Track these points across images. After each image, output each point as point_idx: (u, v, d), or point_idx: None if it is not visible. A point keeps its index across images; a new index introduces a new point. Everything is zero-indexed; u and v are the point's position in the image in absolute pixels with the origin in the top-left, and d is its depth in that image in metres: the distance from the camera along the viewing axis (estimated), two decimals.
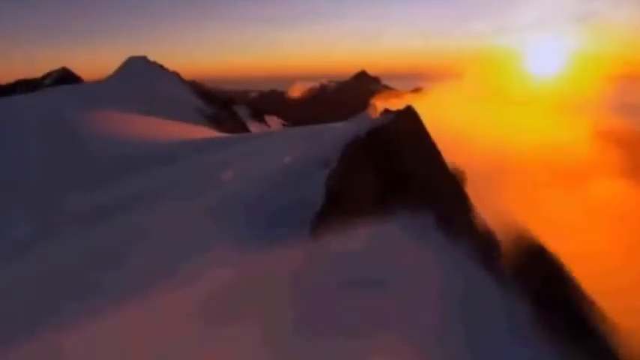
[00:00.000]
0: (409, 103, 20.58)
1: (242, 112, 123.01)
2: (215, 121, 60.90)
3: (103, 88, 66.16)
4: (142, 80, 69.77)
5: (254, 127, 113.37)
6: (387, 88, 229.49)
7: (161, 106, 60.02)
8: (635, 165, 46.09)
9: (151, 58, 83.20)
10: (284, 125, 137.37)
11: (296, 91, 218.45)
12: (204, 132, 51.55)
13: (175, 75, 77.90)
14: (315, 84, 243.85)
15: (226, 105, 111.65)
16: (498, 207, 19.46)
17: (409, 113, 19.06)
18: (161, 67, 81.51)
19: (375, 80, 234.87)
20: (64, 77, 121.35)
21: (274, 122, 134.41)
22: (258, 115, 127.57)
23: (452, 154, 19.15)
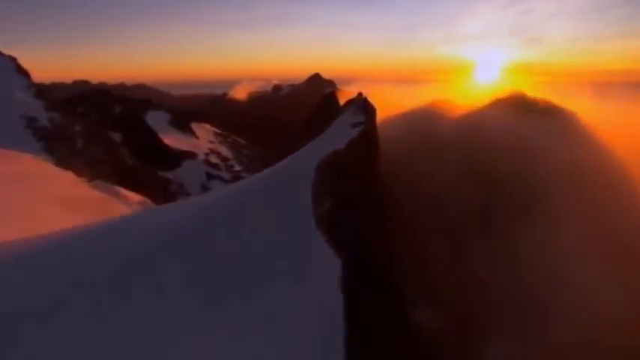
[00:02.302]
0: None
1: (159, 118, 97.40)
2: (52, 140, 36.42)
3: None
4: None
5: (170, 138, 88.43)
6: (341, 90, 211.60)
7: None
8: None
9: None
10: (217, 134, 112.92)
11: (241, 93, 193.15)
12: None
13: (12, 61, 51.55)
14: (264, 84, 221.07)
15: (132, 110, 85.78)
16: None
17: None
18: None
19: (330, 83, 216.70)
20: None
21: (204, 131, 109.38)
22: (182, 122, 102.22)
23: None
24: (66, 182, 25.37)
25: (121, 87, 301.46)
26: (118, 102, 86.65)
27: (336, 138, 27.16)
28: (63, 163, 32.41)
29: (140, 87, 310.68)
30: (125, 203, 23.92)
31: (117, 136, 77.07)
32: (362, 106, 38.13)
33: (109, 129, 76.67)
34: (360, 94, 41.71)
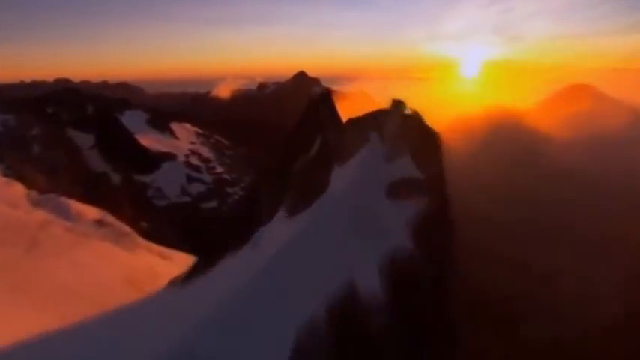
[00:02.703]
0: None
1: (136, 118, 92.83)
2: (3, 146, 32.29)
3: None
4: None
5: (148, 139, 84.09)
6: (328, 89, 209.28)
7: None
8: None
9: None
10: (199, 134, 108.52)
11: (224, 91, 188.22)
12: None
13: None
14: (248, 82, 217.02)
15: (107, 110, 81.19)
16: None
17: None
18: None
19: (315, 81, 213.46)
20: None
21: (185, 131, 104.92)
22: (161, 122, 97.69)
23: None
24: (4, 201, 21.64)
25: (104, 85, 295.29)
26: (92, 101, 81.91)
27: (359, 227, 13.12)
28: (14, 172, 28.62)
29: (123, 85, 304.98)
30: (73, 226, 20.20)
31: (89, 139, 72.72)
32: (405, 127, 18.20)
33: (80, 131, 72.26)
34: (399, 102, 21.06)
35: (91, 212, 22.30)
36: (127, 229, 21.33)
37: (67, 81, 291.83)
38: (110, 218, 22.19)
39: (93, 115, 76.75)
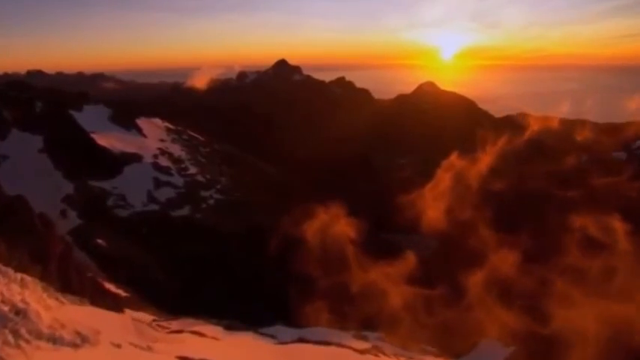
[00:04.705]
0: None
1: (95, 114, 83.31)
2: None
3: None
4: None
5: (110, 138, 75.09)
6: (310, 78, 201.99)
7: None
8: None
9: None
10: (170, 130, 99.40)
11: (200, 81, 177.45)
12: None
13: None
14: (226, 71, 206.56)
15: (59, 106, 71.66)
16: None
17: None
18: None
19: (296, 70, 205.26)
20: None
21: (154, 127, 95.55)
22: (125, 118, 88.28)
23: None
24: None
25: (79, 76, 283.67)
26: (42, 96, 72.28)
27: None
28: None
29: (99, 76, 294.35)
30: None
31: (38, 140, 63.67)
32: None
33: (27, 131, 63.14)
34: None
35: None
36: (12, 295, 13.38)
37: (39, 72, 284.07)
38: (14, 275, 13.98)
39: (42, 112, 67.39)
